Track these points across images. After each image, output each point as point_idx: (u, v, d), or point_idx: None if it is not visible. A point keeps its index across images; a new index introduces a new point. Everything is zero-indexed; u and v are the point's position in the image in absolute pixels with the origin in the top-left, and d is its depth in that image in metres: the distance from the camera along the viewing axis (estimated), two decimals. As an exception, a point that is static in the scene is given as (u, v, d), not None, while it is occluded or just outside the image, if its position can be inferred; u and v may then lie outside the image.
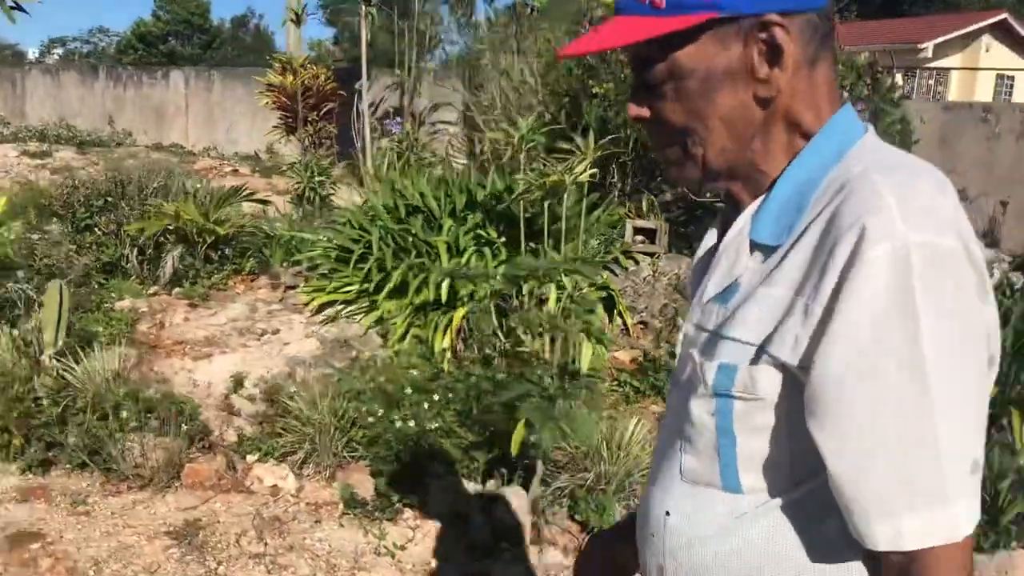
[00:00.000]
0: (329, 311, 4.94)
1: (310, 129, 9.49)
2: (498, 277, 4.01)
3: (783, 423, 0.89)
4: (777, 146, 0.94)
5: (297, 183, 7.76)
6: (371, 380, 4.06)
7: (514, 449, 2.94)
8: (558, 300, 3.91)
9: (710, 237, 1.05)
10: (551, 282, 3.74)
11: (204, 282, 5.72)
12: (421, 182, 5.33)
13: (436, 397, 3.75)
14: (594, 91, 5.60)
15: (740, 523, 0.94)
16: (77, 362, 4.11)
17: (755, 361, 0.89)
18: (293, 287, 5.37)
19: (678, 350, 1.06)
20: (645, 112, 0.97)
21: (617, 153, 5.49)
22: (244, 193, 6.27)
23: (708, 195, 5.50)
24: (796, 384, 0.86)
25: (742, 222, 0.96)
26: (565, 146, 4.49)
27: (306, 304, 5.07)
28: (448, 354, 4.53)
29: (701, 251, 1.07)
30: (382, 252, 4.87)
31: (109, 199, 5.92)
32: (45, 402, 3.96)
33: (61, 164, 11.91)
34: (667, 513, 1.02)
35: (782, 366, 0.87)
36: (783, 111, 0.92)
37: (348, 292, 4.90)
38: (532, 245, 4.72)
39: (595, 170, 4.32)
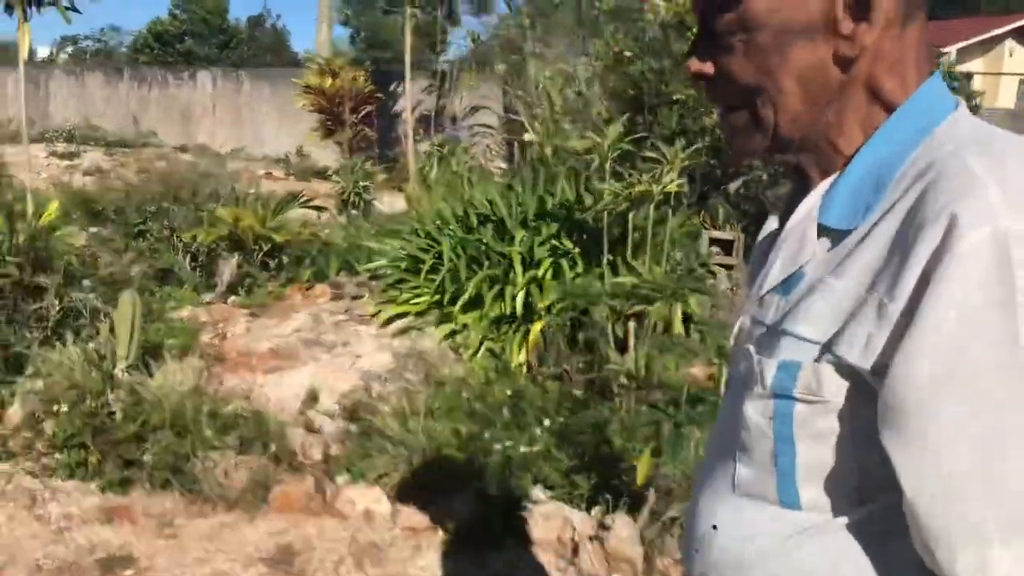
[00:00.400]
0: (399, 323, 4.81)
1: (349, 132, 9.36)
2: (604, 295, 3.87)
3: (850, 432, 0.78)
4: (855, 117, 0.82)
5: (342, 188, 7.62)
6: (457, 397, 3.93)
7: (640, 479, 2.80)
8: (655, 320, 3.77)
9: (771, 222, 0.95)
10: (676, 301, 3.60)
11: (261, 290, 5.60)
12: (490, 189, 5.19)
13: (527, 417, 3.62)
14: (675, 97, 5.45)
15: (796, 543, 0.83)
16: (149, 375, 3.99)
17: (820, 360, 0.78)
18: (357, 297, 5.24)
19: (731, 345, 0.96)
20: (709, 68, 0.85)
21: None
22: (301, 200, 6.14)
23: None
24: (867, 390, 0.75)
25: (810, 203, 0.84)
26: (650, 155, 4.35)
27: (373, 315, 4.94)
28: (524, 369, 4.40)
29: (761, 236, 0.96)
30: (454, 262, 4.74)
31: (164, 204, 5.79)
32: (120, 417, 3.84)
33: (91, 165, 11.84)
34: (713, 527, 0.91)
35: (851, 369, 0.76)
36: (864, 76, 0.80)
37: (419, 303, 4.76)
38: (610, 257, 4.58)
39: (682, 180, 4.18)
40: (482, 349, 4.54)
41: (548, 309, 4.42)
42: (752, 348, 0.86)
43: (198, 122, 14.67)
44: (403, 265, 4.96)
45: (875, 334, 0.73)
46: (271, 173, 11.33)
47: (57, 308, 4.43)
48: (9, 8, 5.92)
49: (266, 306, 5.43)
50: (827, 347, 0.77)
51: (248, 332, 5.02)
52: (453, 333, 4.65)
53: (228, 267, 5.45)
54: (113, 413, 3.86)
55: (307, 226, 6.16)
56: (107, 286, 4.73)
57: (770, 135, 0.84)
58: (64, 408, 3.80)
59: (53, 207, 5.47)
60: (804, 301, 0.81)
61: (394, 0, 37.69)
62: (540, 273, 4.55)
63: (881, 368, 0.73)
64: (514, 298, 4.48)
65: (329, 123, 9.57)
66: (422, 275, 4.80)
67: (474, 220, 5.01)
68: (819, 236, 0.83)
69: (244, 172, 11.45)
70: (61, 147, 13.23)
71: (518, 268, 4.60)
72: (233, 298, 5.57)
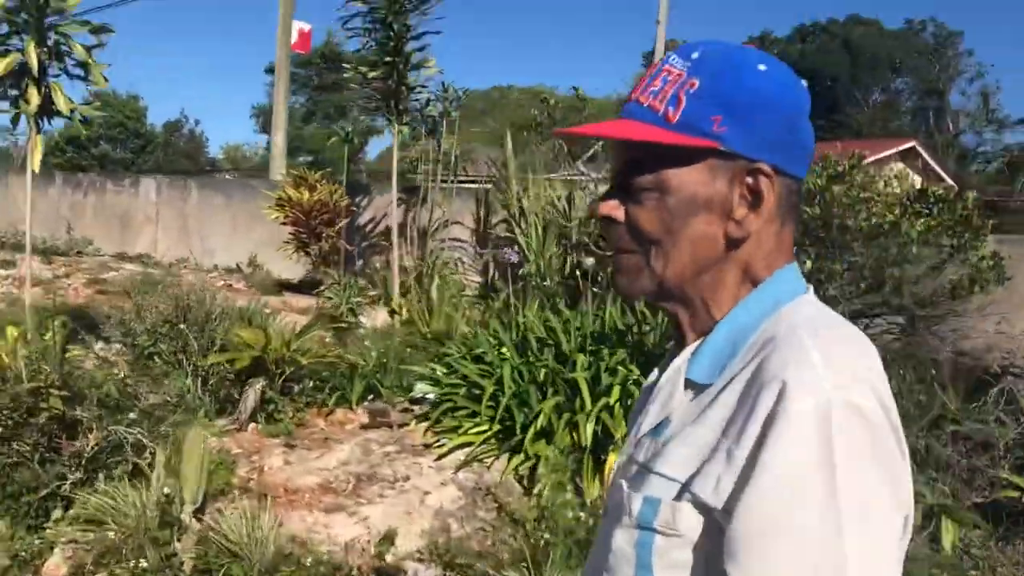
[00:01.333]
0: (459, 454, 4.56)
1: (326, 245, 9.14)
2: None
3: (701, 562, 0.90)
4: (727, 289, 0.98)
5: (335, 304, 7.36)
6: (552, 538, 3.70)
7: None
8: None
9: (654, 374, 1.09)
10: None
11: (283, 417, 5.25)
12: (547, 314, 5.07)
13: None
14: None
15: None
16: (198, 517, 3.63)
17: (678, 498, 0.91)
18: (403, 425, 4.97)
19: (608, 481, 1.10)
20: (620, 214, 1.00)
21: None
22: (314, 324, 5.86)
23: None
24: (716, 525, 0.87)
25: (680, 360, 1.00)
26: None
27: (428, 446, 4.68)
28: (600, 502, 4.21)
29: (645, 385, 1.12)
30: (519, 388, 4.56)
31: (178, 325, 5.43)
32: (188, 567, 3.46)
33: (32, 275, 11.10)
34: None
35: (704, 506, 0.88)
36: (744, 258, 0.97)
37: (481, 432, 4.54)
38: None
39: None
40: (552, 482, 4.33)
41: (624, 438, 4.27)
42: (624, 483, 0.99)
43: (138, 230, 14.10)
44: (461, 391, 4.74)
45: (724, 476, 0.86)
46: (230, 284, 10.91)
47: (93, 443, 4.02)
48: (15, 122, 5.61)
49: (293, 434, 5.09)
50: (686, 486, 0.90)
51: (288, 465, 4.67)
52: (519, 464, 4.44)
53: (253, 392, 5.10)
54: (182, 563, 3.47)
55: (326, 346, 5.88)
56: (145, 415, 4.34)
57: (656, 282, 0.99)
58: (127, 559, 3.40)
59: (58, 324, 5.05)
60: (668, 444, 0.94)
61: (329, 115, 37.19)
62: (612, 400, 4.43)
63: (729, 507, 0.85)
64: (585, 427, 4.32)
65: (304, 235, 9.33)
66: (483, 402, 4.60)
67: (533, 344, 4.86)
68: (686, 388, 0.98)
69: (201, 283, 11.00)
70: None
71: (586, 395, 4.46)
72: (253, 426, 5.20)
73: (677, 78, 0.98)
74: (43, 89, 5.43)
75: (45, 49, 5.42)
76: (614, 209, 1.01)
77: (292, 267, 12.11)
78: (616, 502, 1.00)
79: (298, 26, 12.97)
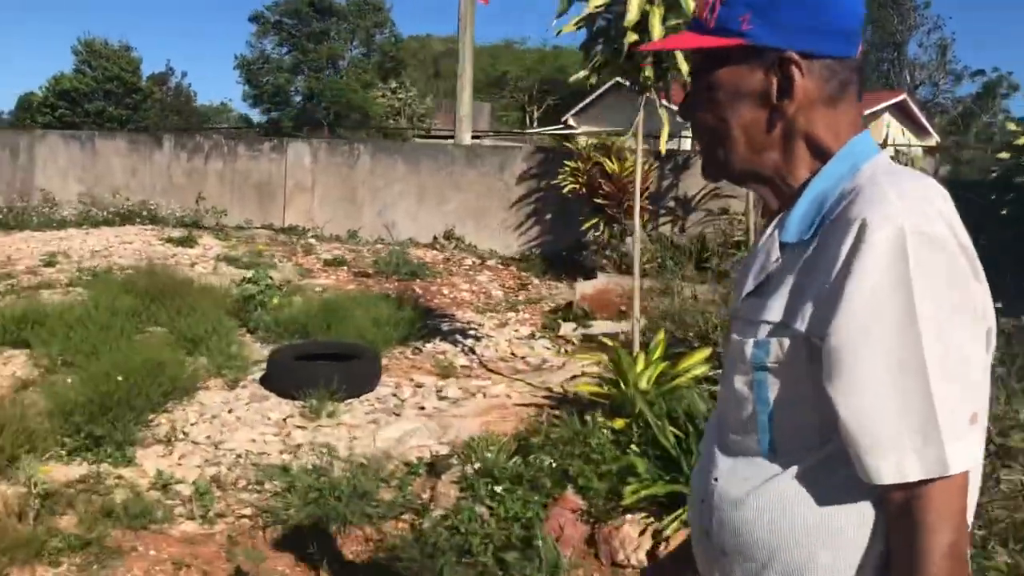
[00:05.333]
0: None
1: (645, 218, 8.19)
2: None
3: (809, 391, 1.05)
4: (800, 162, 1.13)
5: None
6: None
7: None
8: None
9: (753, 245, 1.24)
10: None
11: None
12: None
13: None
14: None
15: (774, 482, 1.10)
16: None
17: (783, 336, 1.07)
18: None
19: (725, 341, 1.32)
20: (692, 113, 1.18)
21: None
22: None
23: None
24: (816, 352, 1.02)
25: (772, 227, 1.16)
26: None
27: None
28: None
29: (747, 256, 1.31)
30: None
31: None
32: None
33: (221, 254, 9.76)
34: (715, 480, 1.18)
35: (804, 338, 1.04)
36: (802, 133, 1.11)
37: None
38: None
39: None
40: None
41: None
42: (736, 336, 1.16)
43: (286, 200, 12.66)
44: None
45: (818, 308, 1.03)
46: (483, 263, 9.82)
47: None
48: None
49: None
50: (787, 324, 1.07)
51: None
52: None
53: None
54: None
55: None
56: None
57: (724, 167, 1.18)
58: None
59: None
60: (771, 297, 1.10)
61: (319, 66, 35.04)
62: None
63: (823, 333, 1.01)
64: None
65: (612, 210, 8.36)
66: None
67: None
68: (781, 250, 1.13)
69: (448, 262, 9.89)
70: (173, 231, 10.98)
71: None
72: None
73: None
74: None
75: None
76: (688, 111, 1.20)
77: (499, 241, 11.10)
78: (732, 353, 1.17)
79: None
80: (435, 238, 11.42)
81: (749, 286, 1.16)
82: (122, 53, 28.32)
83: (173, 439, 4.63)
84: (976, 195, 7.25)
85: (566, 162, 8.79)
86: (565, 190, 8.60)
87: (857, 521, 1.05)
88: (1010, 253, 6.98)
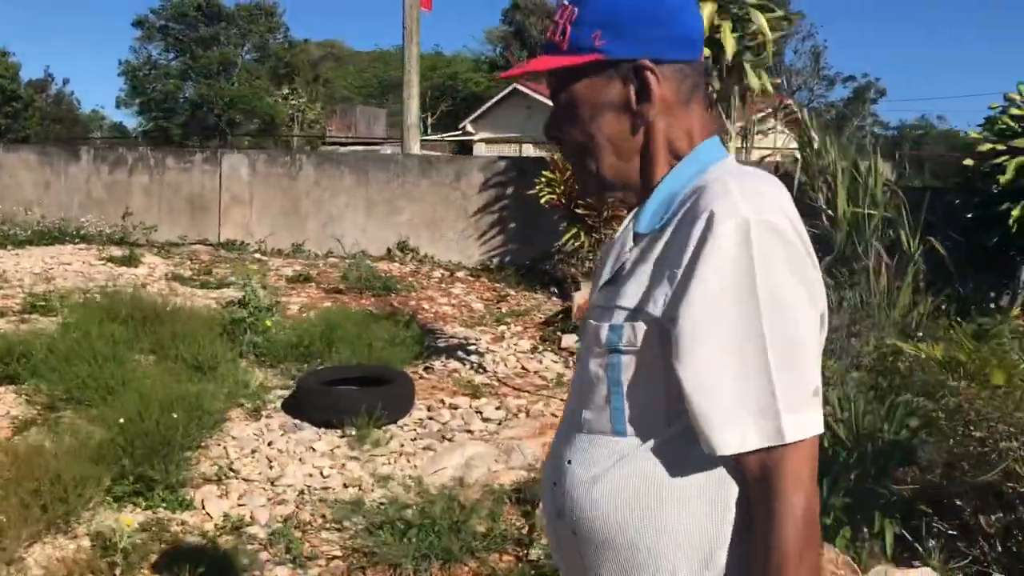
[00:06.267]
0: None
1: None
2: None
3: (658, 372, 1.11)
4: (660, 164, 1.19)
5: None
6: None
7: None
8: None
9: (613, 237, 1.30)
10: None
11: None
12: None
13: None
14: None
15: (626, 461, 1.14)
16: None
17: (635, 320, 1.12)
18: None
19: (581, 325, 1.32)
20: (559, 132, 1.24)
21: None
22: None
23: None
24: (667, 334, 1.08)
25: (627, 220, 1.24)
26: None
27: None
28: None
29: (603, 248, 1.37)
30: None
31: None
32: None
33: (170, 273, 9.28)
34: (568, 462, 1.22)
35: (655, 322, 1.10)
36: (662, 138, 1.18)
37: None
38: None
39: None
40: None
41: None
42: (592, 321, 1.19)
43: (221, 214, 12.04)
44: None
45: (668, 294, 1.08)
46: (452, 273, 9.61)
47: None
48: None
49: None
50: (639, 309, 1.11)
51: None
52: None
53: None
54: None
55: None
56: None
57: (596, 178, 1.21)
58: None
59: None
60: (625, 284, 1.15)
61: (210, 72, 33.53)
62: None
63: (672, 315, 1.06)
64: None
65: (594, 219, 8.34)
66: None
67: None
68: (635, 240, 1.19)
69: (411, 275, 9.64)
70: (113, 250, 10.25)
71: None
72: None
73: (566, 10, 1.18)
74: None
75: None
76: (553, 131, 1.24)
77: (457, 251, 10.94)
78: (587, 338, 1.20)
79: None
80: (389, 250, 11.14)
81: (606, 275, 1.22)
82: (-1, 59, 26.46)
83: (223, 477, 4.31)
84: (941, 202, 7.63)
85: (544, 172, 8.72)
86: (542, 200, 8.53)
87: (709, 496, 1.11)
88: (978, 254, 7.40)
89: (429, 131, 44.42)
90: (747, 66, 4.21)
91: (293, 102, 34.21)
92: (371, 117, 38.53)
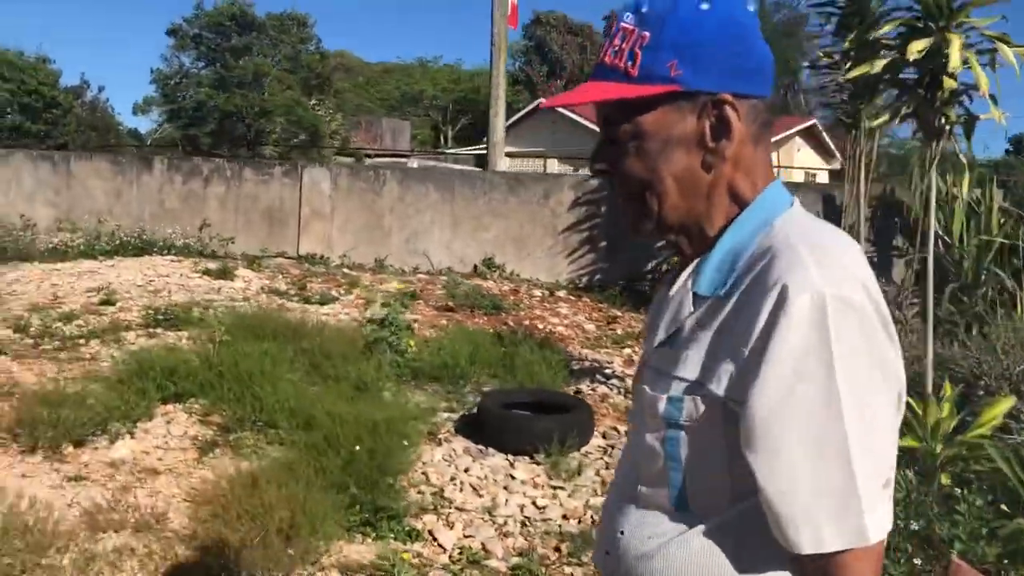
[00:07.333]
0: None
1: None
2: None
3: (722, 450, 1.03)
4: (719, 210, 1.10)
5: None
6: None
7: None
8: None
9: (664, 290, 1.20)
10: None
11: None
12: None
13: None
14: None
15: (684, 539, 1.07)
16: None
17: (698, 395, 1.03)
18: None
19: (634, 388, 1.22)
20: (611, 166, 1.12)
21: None
22: None
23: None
24: (732, 415, 1.00)
25: (685, 276, 1.12)
26: None
27: None
28: None
29: (655, 300, 1.24)
30: None
31: None
32: None
33: (266, 287, 9.21)
34: (621, 532, 1.15)
35: (719, 400, 1.01)
36: (727, 180, 1.09)
37: None
38: None
39: None
40: None
41: None
42: (647, 388, 1.11)
43: (300, 227, 12.01)
44: None
45: (734, 372, 1.00)
46: (554, 297, 9.51)
47: None
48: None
49: None
50: (702, 383, 1.03)
51: None
52: None
53: None
54: None
55: None
56: None
57: (655, 219, 1.11)
58: None
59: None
60: (684, 350, 1.07)
61: (244, 82, 33.44)
62: None
63: (741, 397, 0.98)
64: None
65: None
66: None
67: None
68: (694, 301, 1.09)
69: (514, 293, 9.56)
70: (209, 264, 10.17)
71: None
72: None
73: (631, 34, 1.07)
74: None
75: None
76: (603, 163, 1.13)
77: (544, 269, 10.87)
78: (641, 406, 1.12)
79: (512, -1, 11.41)
80: (475, 267, 11.07)
81: (661, 335, 1.14)
82: (39, 65, 26.50)
83: (438, 506, 4.21)
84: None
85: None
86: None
87: None
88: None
89: (450, 144, 44.43)
90: (990, 101, 4.12)
91: (319, 112, 34.27)
92: (396, 130, 38.66)
